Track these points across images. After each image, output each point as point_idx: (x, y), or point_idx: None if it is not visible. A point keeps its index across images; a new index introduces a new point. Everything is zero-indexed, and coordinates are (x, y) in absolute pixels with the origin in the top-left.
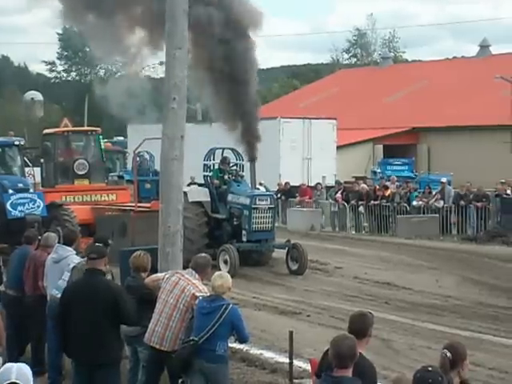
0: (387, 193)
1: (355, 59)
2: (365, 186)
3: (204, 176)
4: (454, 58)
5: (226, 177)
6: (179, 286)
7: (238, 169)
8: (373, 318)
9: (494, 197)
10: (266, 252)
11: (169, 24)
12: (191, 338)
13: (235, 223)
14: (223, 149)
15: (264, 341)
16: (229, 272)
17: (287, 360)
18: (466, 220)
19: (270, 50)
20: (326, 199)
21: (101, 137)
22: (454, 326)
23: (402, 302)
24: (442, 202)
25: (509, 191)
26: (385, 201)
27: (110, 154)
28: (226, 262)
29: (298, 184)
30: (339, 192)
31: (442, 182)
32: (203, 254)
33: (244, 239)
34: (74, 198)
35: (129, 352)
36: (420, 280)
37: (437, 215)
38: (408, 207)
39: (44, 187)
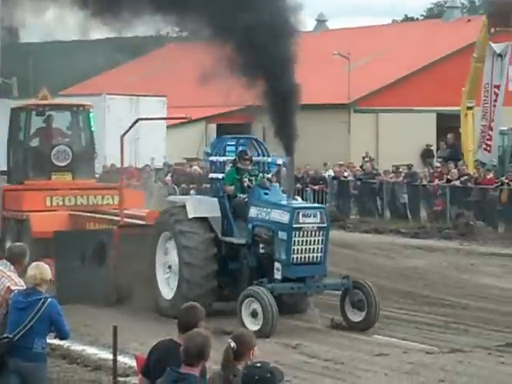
0: None
1: (185, 33)
2: (197, 168)
3: (210, 179)
4: None
5: (245, 180)
6: None
7: (264, 169)
8: (203, 312)
9: (331, 179)
10: (304, 295)
11: None
12: (5, 335)
13: (262, 251)
14: (238, 138)
15: (87, 336)
16: (262, 330)
17: (111, 356)
18: None
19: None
20: (155, 182)
21: (92, 115)
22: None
23: None
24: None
25: (346, 173)
26: None
27: None
28: (254, 314)
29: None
30: (169, 175)
31: (278, 164)
32: (19, 243)
33: (278, 276)
34: (51, 200)
35: None
36: None
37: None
38: None
39: (10, 183)
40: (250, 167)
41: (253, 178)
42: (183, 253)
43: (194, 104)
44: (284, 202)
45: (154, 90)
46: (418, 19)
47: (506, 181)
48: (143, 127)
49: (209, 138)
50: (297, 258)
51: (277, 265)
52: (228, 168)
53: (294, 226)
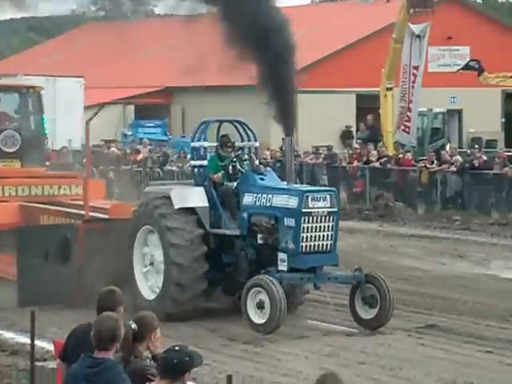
0: (139, 157)
1: (103, 12)
2: (115, 149)
3: (192, 167)
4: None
5: (235, 165)
6: None
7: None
8: (122, 296)
9: None
10: (301, 288)
11: None
12: None
13: (261, 242)
14: (220, 122)
15: (3, 320)
16: (267, 324)
17: (29, 341)
18: None
19: None
20: (73, 164)
21: (42, 96)
22: None
23: None
24: None
25: (266, 155)
26: (136, 166)
27: None
28: (260, 305)
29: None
30: None
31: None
32: None
33: (283, 268)
34: (2, 190)
35: None
36: None
37: (192, 180)
38: (161, 172)
39: None
40: (232, 154)
41: (236, 164)
42: (171, 252)
43: (112, 85)
44: (288, 186)
45: (71, 70)
46: (337, 0)
47: (425, 162)
48: (60, 108)
49: (127, 119)
50: (306, 246)
51: (282, 255)
52: (211, 155)
53: (304, 210)
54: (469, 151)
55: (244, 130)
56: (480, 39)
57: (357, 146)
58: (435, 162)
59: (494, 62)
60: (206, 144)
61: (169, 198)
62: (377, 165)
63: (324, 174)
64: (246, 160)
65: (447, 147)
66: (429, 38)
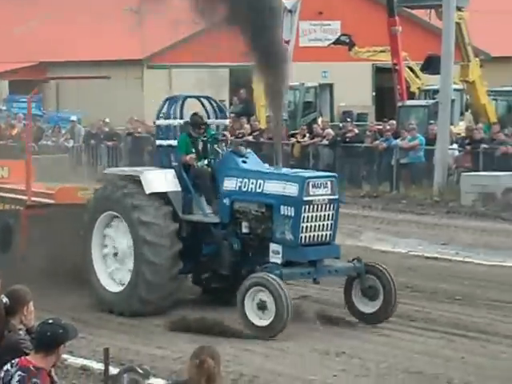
0: (14, 132)
1: None
2: None
3: (158, 147)
4: None
5: (205, 148)
6: None
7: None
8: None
9: (125, 136)
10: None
11: None
12: None
13: (246, 231)
14: (184, 98)
15: None
16: (272, 326)
17: None
18: (97, 160)
19: None
20: None
21: None
22: None
23: None
24: (72, 142)
25: (140, 129)
26: (11, 140)
27: None
28: (262, 306)
29: None
30: None
31: (72, 121)
32: None
33: (276, 260)
34: None
35: None
36: None
37: (66, 155)
38: (36, 147)
39: None
40: (204, 134)
41: (208, 145)
42: (142, 230)
43: None
44: (279, 171)
45: None
46: None
47: (297, 136)
48: None
49: (1, 94)
50: (306, 237)
51: (275, 247)
52: (181, 134)
53: (305, 199)
54: (340, 124)
55: (212, 106)
56: (350, 14)
57: (229, 119)
58: (307, 135)
59: (364, 37)
60: (174, 122)
61: (136, 181)
62: (250, 138)
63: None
64: (220, 140)
65: (319, 121)
66: (300, 12)
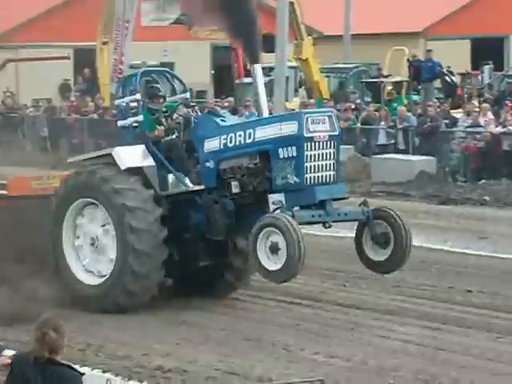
0: None
1: None
2: None
3: (121, 128)
4: None
5: (166, 118)
6: None
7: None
8: None
9: None
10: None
11: None
12: None
13: (236, 191)
14: (141, 74)
15: None
16: (284, 270)
17: None
18: None
19: None
20: None
21: None
22: None
23: None
24: None
25: None
26: None
27: None
28: (274, 249)
29: None
30: None
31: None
32: None
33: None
34: None
35: None
36: None
37: None
38: None
39: None
40: (163, 105)
41: (171, 114)
42: (127, 216)
43: None
44: (269, 116)
45: None
46: None
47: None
48: None
49: None
50: (311, 178)
51: (276, 196)
52: (142, 111)
53: (306, 135)
54: None
55: (168, 80)
56: None
57: (74, 98)
58: None
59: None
60: (135, 97)
61: (109, 164)
62: (95, 116)
63: (45, 127)
64: (189, 106)
65: None
66: None
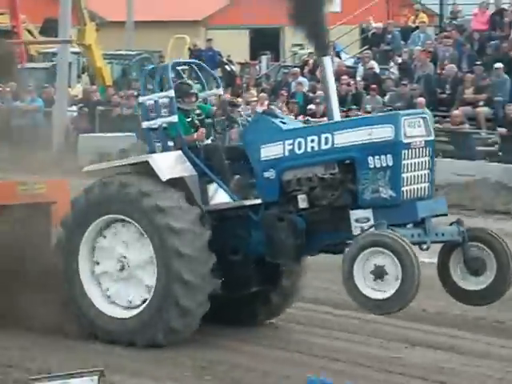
0: None
1: None
2: None
3: (148, 130)
4: None
5: (200, 121)
6: None
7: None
8: None
9: None
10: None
11: None
12: None
13: (304, 206)
14: (172, 65)
15: None
16: (397, 298)
17: None
18: None
19: None
20: None
21: None
22: None
23: None
24: None
25: None
26: None
27: None
28: (379, 273)
29: None
30: None
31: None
32: None
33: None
34: None
35: None
36: None
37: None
38: None
39: None
40: (195, 105)
41: (203, 116)
42: (172, 239)
43: None
44: (345, 119)
45: None
46: None
47: None
48: None
49: None
50: (407, 191)
51: (361, 213)
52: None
53: (405, 141)
54: None
55: (197, 74)
56: None
57: None
58: None
59: None
60: (165, 95)
61: (142, 174)
62: None
63: None
64: (232, 105)
65: None
66: None
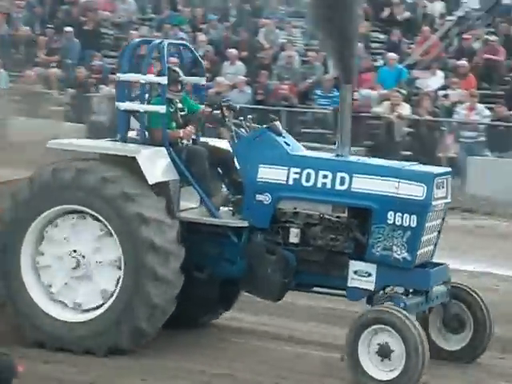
0: None
1: None
2: None
3: (122, 112)
4: None
5: (183, 116)
6: None
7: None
8: None
9: None
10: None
11: None
12: None
13: (295, 241)
14: (164, 44)
15: None
16: (401, 379)
17: None
18: None
19: None
20: None
21: None
22: None
23: None
24: None
25: None
26: None
27: None
28: (384, 352)
29: None
30: None
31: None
32: None
33: (367, 286)
34: None
35: None
36: None
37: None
38: None
39: None
40: (180, 96)
41: (186, 111)
42: (145, 231)
43: None
44: (377, 162)
45: None
46: None
47: None
48: None
49: None
50: (419, 255)
51: (363, 266)
52: (160, 98)
53: (433, 203)
54: None
55: (180, 55)
56: None
57: None
58: None
59: None
60: (155, 80)
61: (105, 159)
62: None
63: None
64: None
65: None
66: None
